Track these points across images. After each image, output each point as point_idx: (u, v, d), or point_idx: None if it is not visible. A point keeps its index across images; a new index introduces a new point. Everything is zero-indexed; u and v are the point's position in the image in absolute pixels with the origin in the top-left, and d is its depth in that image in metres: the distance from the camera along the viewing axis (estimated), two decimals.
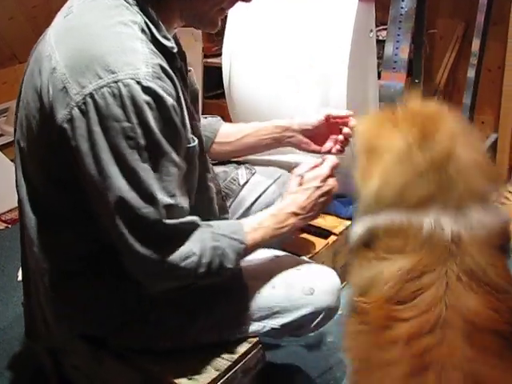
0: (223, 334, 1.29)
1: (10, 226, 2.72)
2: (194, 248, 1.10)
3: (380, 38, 3.19)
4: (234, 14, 2.00)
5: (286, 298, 1.32)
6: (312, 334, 1.42)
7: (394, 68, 3.21)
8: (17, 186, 1.25)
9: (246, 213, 1.59)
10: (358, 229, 1.06)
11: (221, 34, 2.14)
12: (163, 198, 1.05)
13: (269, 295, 1.32)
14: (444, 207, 0.97)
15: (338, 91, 1.80)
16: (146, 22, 1.08)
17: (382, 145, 1.03)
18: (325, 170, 1.31)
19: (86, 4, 1.11)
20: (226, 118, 2.68)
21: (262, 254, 1.42)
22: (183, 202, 1.10)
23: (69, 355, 1.39)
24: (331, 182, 1.31)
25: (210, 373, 1.22)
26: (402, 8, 3.12)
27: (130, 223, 1.05)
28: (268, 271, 1.36)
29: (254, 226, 1.23)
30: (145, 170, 1.03)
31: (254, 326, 1.31)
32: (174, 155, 1.06)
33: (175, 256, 1.08)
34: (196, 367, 1.24)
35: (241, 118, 2.11)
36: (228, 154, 1.64)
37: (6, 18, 3.38)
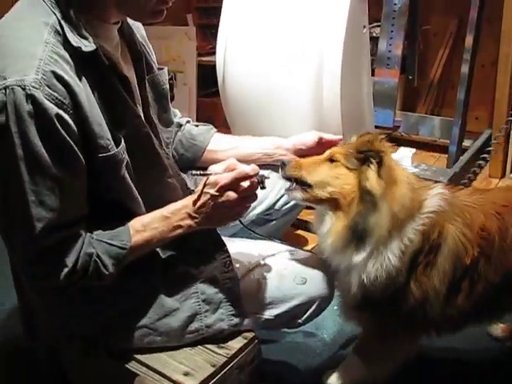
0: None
1: None
2: (68, 260, 1.09)
3: (374, 34, 3.21)
4: (228, 11, 2.00)
5: (277, 288, 1.34)
6: (306, 324, 1.43)
7: (387, 64, 3.24)
8: None
9: None
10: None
11: (215, 32, 2.14)
12: (39, 213, 1.04)
13: (261, 286, 1.33)
14: None
15: (331, 88, 1.80)
16: (60, 23, 1.06)
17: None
18: (224, 180, 1.18)
19: (17, 2, 1.12)
20: (221, 116, 2.69)
21: (253, 245, 1.44)
22: (65, 215, 1.08)
23: (65, 353, 1.39)
24: (231, 195, 1.18)
25: (207, 369, 1.22)
26: (395, 4, 3.15)
27: (8, 233, 1.11)
28: (260, 262, 1.38)
29: (138, 229, 1.18)
30: (21, 182, 1.02)
31: (248, 317, 1.32)
32: (55, 169, 1.03)
33: (49, 269, 1.10)
34: (192, 363, 1.24)
35: (235, 115, 2.11)
36: (218, 162, 1.63)
37: None
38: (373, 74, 2.92)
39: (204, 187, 1.19)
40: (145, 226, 1.19)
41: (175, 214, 1.21)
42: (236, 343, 1.29)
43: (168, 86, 1.42)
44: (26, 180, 1.02)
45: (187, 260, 1.28)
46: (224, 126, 2.39)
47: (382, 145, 1.27)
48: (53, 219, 1.05)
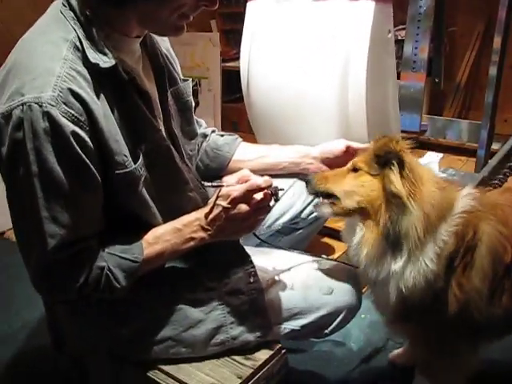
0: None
1: None
2: (79, 274, 1.10)
3: (399, 37, 3.17)
4: (251, 17, 2.00)
5: (304, 298, 1.32)
6: (333, 334, 1.41)
7: (413, 68, 3.20)
8: None
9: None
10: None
11: (239, 37, 2.14)
12: (51, 229, 1.05)
13: (287, 297, 1.32)
14: None
15: (356, 94, 1.79)
16: (79, 38, 1.07)
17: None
18: (236, 192, 1.17)
19: (42, 16, 1.14)
20: (245, 122, 2.69)
21: (280, 256, 1.43)
22: (78, 231, 1.08)
23: (92, 365, 1.40)
24: (242, 207, 1.18)
25: (233, 380, 1.21)
26: (420, 7, 3.11)
27: (23, 247, 1.11)
28: (286, 273, 1.36)
29: (150, 241, 1.18)
30: (35, 198, 1.03)
31: (274, 328, 1.31)
32: (69, 186, 1.04)
33: (60, 282, 1.12)
34: (218, 375, 1.23)
35: (260, 121, 2.11)
36: None
37: None
38: (398, 78, 2.89)
39: (216, 199, 1.19)
40: (157, 239, 1.19)
41: (188, 226, 1.20)
42: (262, 354, 1.28)
43: (192, 98, 1.42)
44: (40, 196, 1.03)
45: (212, 272, 1.28)
46: (248, 132, 2.39)
47: (399, 145, 1.24)
48: (65, 236, 1.06)
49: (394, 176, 1.22)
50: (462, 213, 1.25)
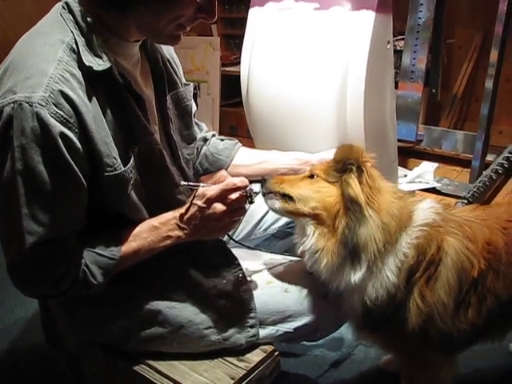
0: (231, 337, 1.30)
1: None
2: (55, 270, 1.12)
3: (397, 47, 3.20)
4: (253, 23, 2.02)
5: (298, 301, 1.34)
6: (326, 338, 1.42)
7: (411, 78, 3.24)
8: None
9: (259, 223, 1.61)
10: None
11: (239, 42, 2.16)
12: (30, 226, 1.06)
13: (281, 299, 1.34)
14: None
15: (354, 102, 1.80)
16: (76, 41, 1.08)
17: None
18: (211, 192, 1.19)
19: (43, 18, 1.16)
20: (244, 127, 2.70)
21: (275, 259, 1.44)
22: (57, 231, 1.09)
23: (86, 361, 1.41)
24: (218, 207, 1.19)
25: (226, 381, 1.22)
26: (419, 18, 3.15)
27: (2, 240, 1.12)
28: (280, 275, 1.38)
29: (128, 238, 1.19)
30: (17, 194, 1.04)
31: (268, 330, 1.32)
32: (52, 186, 1.05)
33: (36, 277, 1.13)
34: (212, 375, 1.24)
35: (258, 126, 2.12)
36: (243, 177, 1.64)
37: None
38: (396, 88, 2.92)
39: (193, 199, 1.20)
40: (134, 236, 1.20)
41: (165, 224, 1.21)
42: (255, 356, 1.30)
43: (192, 103, 1.43)
44: (22, 193, 1.04)
45: (201, 274, 1.29)
46: (246, 137, 2.41)
47: (359, 153, 1.24)
48: (44, 234, 1.07)
49: (353, 181, 1.21)
50: (423, 225, 1.25)
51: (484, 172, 2.79)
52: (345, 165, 1.23)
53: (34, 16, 1.22)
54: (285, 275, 1.39)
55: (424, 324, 1.26)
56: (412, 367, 1.40)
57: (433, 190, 2.85)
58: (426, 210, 1.28)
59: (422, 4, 3.09)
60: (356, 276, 1.21)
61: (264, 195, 1.31)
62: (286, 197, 1.28)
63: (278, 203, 1.29)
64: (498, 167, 2.71)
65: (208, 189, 1.20)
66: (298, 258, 1.47)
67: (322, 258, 1.23)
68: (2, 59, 1.12)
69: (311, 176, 1.29)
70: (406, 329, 1.27)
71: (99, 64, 1.08)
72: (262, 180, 1.32)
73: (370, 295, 1.24)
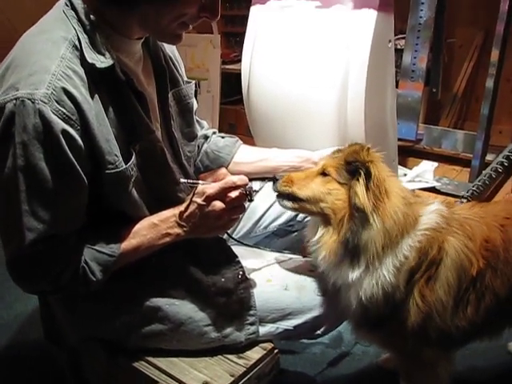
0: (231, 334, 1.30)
1: None
2: (55, 266, 1.12)
3: (398, 46, 3.20)
4: (254, 21, 2.02)
5: (297, 299, 1.34)
6: (325, 335, 1.43)
7: (411, 77, 3.23)
8: None
9: (259, 220, 1.60)
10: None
11: (239, 40, 2.15)
12: (30, 223, 1.06)
13: (281, 297, 1.34)
14: None
15: (355, 101, 1.81)
16: (78, 38, 1.09)
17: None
18: (211, 189, 1.19)
19: (46, 15, 1.16)
20: (244, 124, 2.70)
21: (275, 257, 1.45)
22: (57, 228, 1.09)
23: (86, 356, 1.41)
24: (217, 204, 1.19)
25: (225, 378, 1.23)
26: (420, 17, 3.15)
27: (2, 235, 1.12)
28: (280, 273, 1.38)
29: (127, 236, 1.20)
30: (18, 191, 1.04)
31: (267, 328, 1.33)
32: (53, 184, 1.05)
33: (35, 273, 1.13)
34: (211, 372, 1.25)
35: (259, 124, 2.12)
36: (244, 174, 1.64)
37: None
38: (397, 87, 2.92)
39: (193, 196, 1.21)
40: (134, 234, 1.20)
41: (164, 221, 1.22)
42: (255, 353, 1.30)
43: (193, 100, 1.43)
44: (22, 190, 1.04)
45: (201, 271, 1.29)
46: (246, 134, 2.41)
47: (369, 155, 1.24)
48: (44, 231, 1.07)
49: (360, 188, 1.21)
50: (426, 229, 1.26)
51: (484, 171, 2.79)
52: (354, 167, 1.24)
53: (34, 13, 1.22)
54: (285, 273, 1.40)
55: (423, 322, 1.27)
56: (410, 365, 1.40)
57: (432, 190, 2.85)
58: (430, 213, 1.29)
59: (423, 3, 3.09)
60: (354, 274, 1.23)
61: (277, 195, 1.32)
62: (297, 198, 1.29)
63: (289, 204, 1.31)
64: (497, 166, 2.72)
65: (208, 186, 1.20)
66: (298, 256, 1.48)
67: (321, 250, 1.26)
68: (2, 55, 1.12)
69: (323, 173, 1.29)
70: (404, 328, 1.28)
71: (102, 61, 1.08)
72: (273, 179, 1.33)
73: (365, 293, 1.24)
